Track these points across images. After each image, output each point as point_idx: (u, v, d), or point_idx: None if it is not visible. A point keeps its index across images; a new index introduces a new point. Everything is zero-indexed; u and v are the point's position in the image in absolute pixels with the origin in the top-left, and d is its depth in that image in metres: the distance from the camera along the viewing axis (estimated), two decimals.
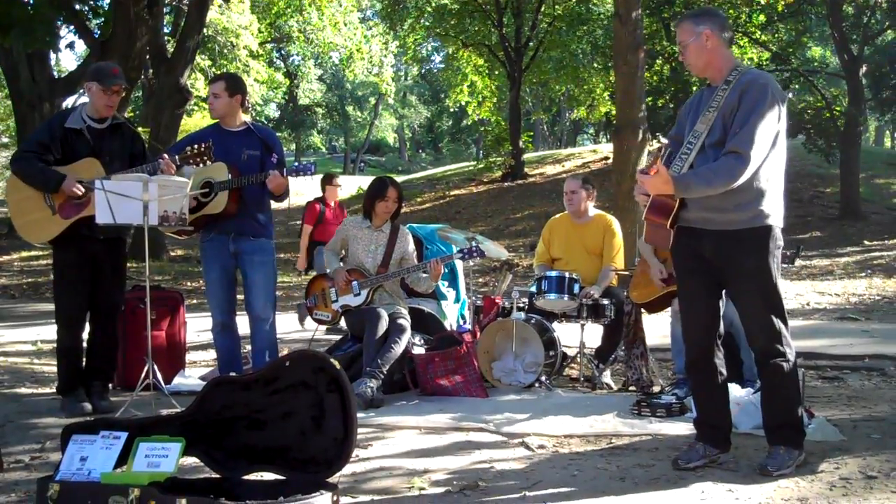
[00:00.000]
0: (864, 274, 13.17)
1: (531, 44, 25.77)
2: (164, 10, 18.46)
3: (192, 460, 3.71)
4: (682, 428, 4.56)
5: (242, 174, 5.26)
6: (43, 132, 5.19)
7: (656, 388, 5.77)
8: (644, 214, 3.88)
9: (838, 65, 24.83)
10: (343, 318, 5.91)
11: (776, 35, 22.80)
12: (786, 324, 3.82)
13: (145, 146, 5.55)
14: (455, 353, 5.63)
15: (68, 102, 16.45)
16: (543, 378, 5.78)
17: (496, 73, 28.18)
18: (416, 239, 6.57)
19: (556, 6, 25.09)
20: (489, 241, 6.68)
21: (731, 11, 20.65)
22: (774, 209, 3.80)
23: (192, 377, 6.03)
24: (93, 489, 3.19)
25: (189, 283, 13.94)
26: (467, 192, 26.42)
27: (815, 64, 30.70)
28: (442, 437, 4.53)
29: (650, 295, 5.68)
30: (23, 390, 5.86)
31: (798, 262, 12.34)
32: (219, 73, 17.37)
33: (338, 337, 6.58)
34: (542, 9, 25.23)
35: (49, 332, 5.38)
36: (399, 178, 17.96)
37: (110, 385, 5.45)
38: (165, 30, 19.10)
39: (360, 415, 4.30)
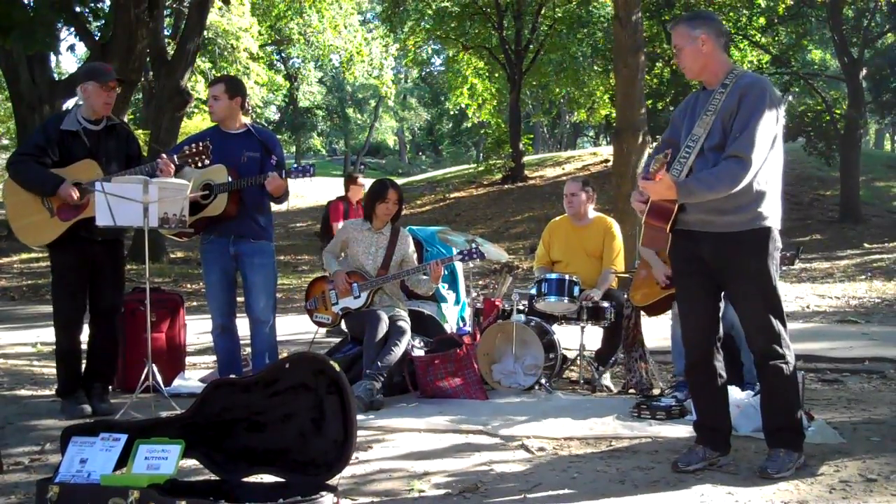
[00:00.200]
0: (864, 277, 13.17)
1: (531, 46, 25.80)
2: (165, 12, 18.47)
3: (191, 462, 3.70)
4: (682, 431, 4.56)
5: (242, 176, 5.26)
6: (39, 135, 5.17)
7: (656, 391, 5.77)
8: (643, 219, 3.88)
9: (838, 68, 24.83)
10: (343, 321, 5.91)
11: (776, 38, 22.83)
12: (785, 326, 3.82)
13: (141, 147, 5.54)
14: (455, 355, 5.62)
15: (69, 104, 16.45)
16: (543, 380, 5.78)
17: (496, 75, 28.21)
18: (416, 241, 6.57)
19: (557, 9, 25.12)
20: (489, 244, 6.68)
21: (731, 14, 20.70)
22: (773, 211, 3.81)
23: (191, 379, 6.02)
24: (92, 491, 3.19)
25: (189, 286, 13.94)
26: (467, 194, 26.44)
27: (816, 67, 30.78)
28: (442, 440, 4.53)
29: (650, 297, 5.68)
30: (22, 392, 5.86)
31: (798, 265, 12.35)
32: (219, 75, 17.36)
33: (338, 339, 6.58)
34: (543, 11, 25.27)
35: (49, 334, 5.38)
36: (399, 181, 17.94)
37: (110, 387, 5.44)
38: (166, 32, 19.11)
39: (359, 417, 4.30)
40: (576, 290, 5.97)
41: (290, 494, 3.22)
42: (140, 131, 20.46)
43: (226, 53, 26.88)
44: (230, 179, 5.22)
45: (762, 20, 21.37)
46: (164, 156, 5.13)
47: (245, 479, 3.52)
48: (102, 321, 5.28)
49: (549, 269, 6.38)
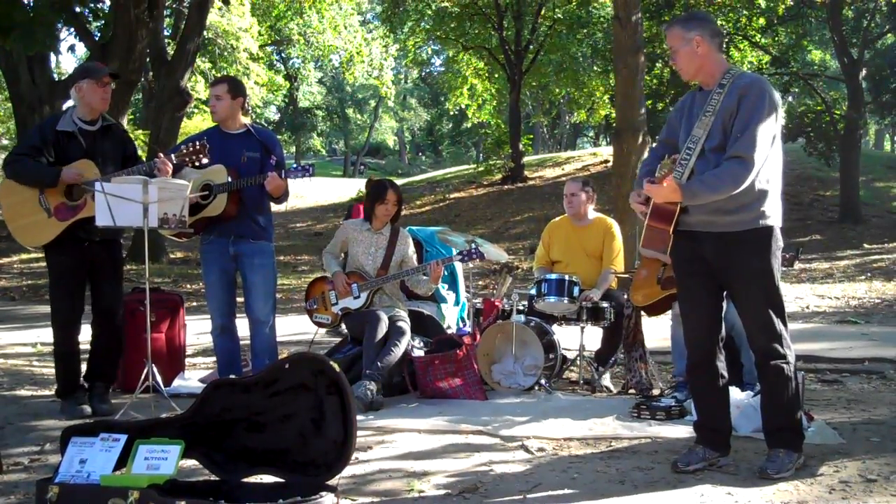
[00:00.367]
0: (863, 277, 13.17)
1: (531, 47, 25.80)
2: (165, 12, 18.47)
3: (191, 462, 3.70)
4: (682, 431, 4.56)
5: (242, 176, 5.26)
6: (35, 136, 5.14)
7: (656, 392, 5.77)
8: (646, 221, 3.88)
9: (838, 68, 24.84)
10: (343, 321, 5.91)
11: (776, 38, 22.84)
12: (786, 325, 3.84)
13: (136, 148, 5.53)
14: (455, 355, 5.62)
15: (69, 105, 16.31)
16: (543, 381, 5.78)
17: (496, 76, 28.21)
18: (415, 241, 6.58)
19: (556, 9, 25.12)
20: (489, 244, 6.68)
21: (731, 14, 20.70)
22: (775, 210, 3.82)
23: (191, 379, 6.02)
24: (92, 491, 3.19)
25: (189, 286, 13.94)
26: (467, 194, 26.44)
27: (815, 67, 30.77)
28: (441, 440, 4.53)
29: (650, 298, 5.68)
30: (22, 392, 5.86)
31: (798, 266, 12.35)
32: (220, 75, 17.34)
33: (338, 339, 6.58)
34: (542, 12, 25.27)
35: (49, 334, 5.37)
36: (399, 181, 17.95)
37: (111, 388, 5.43)
38: (166, 32, 19.11)
39: (359, 417, 4.31)
40: (575, 291, 5.97)
41: (290, 495, 3.22)
42: (140, 131, 20.50)
43: (226, 54, 26.89)
44: (230, 180, 5.22)
45: (762, 21, 21.37)
46: (161, 155, 5.13)
47: (245, 480, 3.53)
48: (104, 321, 5.27)
49: (549, 269, 6.39)
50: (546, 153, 39.82)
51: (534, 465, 4.06)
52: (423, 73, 48.04)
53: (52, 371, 5.40)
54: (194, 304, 10.95)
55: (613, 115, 19.40)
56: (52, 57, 20.00)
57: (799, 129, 21.37)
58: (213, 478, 3.55)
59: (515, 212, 23.02)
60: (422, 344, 5.99)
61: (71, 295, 5.16)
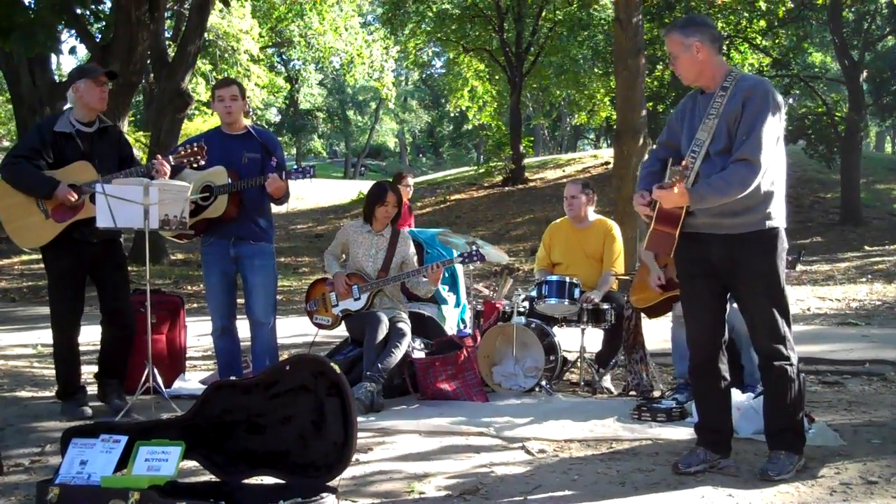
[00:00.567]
0: (864, 279, 13.16)
1: (532, 49, 25.81)
2: (166, 14, 18.48)
3: (192, 464, 3.70)
4: (683, 433, 4.56)
5: (242, 178, 5.27)
6: (33, 137, 5.12)
7: (656, 393, 5.77)
8: (652, 225, 3.88)
9: (839, 70, 24.83)
10: (343, 323, 5.91)
11: (777, 41, 22.81)
12: (790, 327, 3.84)
13: (133, 150, 5.52)
14: (455, 357, 5.62)
15: (67, 107, 16.29)
16: (544, 382, 5.78)
17: (497, 77, 28.21)
18: (416, 243, 6.58)
19: (557, 11, 25.12)
20: (490, 246, 6.68)
21: (731, 17, 20.68)
22: (780, 211, 3.82)
23: (192, 381, 6.03)
24: (93, 493, 3.20)
25: (189, 287, 13.94)
26: (468, 196, 26.43)
27: (816, 69, 30.75)
28: (442, 442, 4.53)
29: (651, 300, 5.69)
30: (23, 394, 5.86)
31: (799, 268, 12.34)
32: (226, 77, 17.30)
33: (338, 340, 6.58)
34: (543, 14, 25.27)
35: (49, 335, 5.37)
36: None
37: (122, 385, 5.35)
38: (166, 34, 19.12)
39: (360, 419, 4.30)
40: (576, 293, 5.97)
41: (291, 496, 3.22)
42: (141, 133, 20.51)
43: (226, 55, 26.92)
44: (230, 181, 5.23)
45: (762, 23, 21.35)
46: (159, 157, 5.13)
47: (245, 481, 3.53)
48: (114, 319, 5.22)
49: (550, 271, 6.39)
50: (547, 155, 39.83)
51: (534, 466, 4.06)
52: (424, 75, 47.98)
53: (53, 372, 5.40)
54: (195, 305, 10.95)
55: (614, 117, 19.40)
56: (53, 58, 20.05)
57: (800, 131, 21.35)
58: (214, 479, 3.55)
59: (516, 213, 23.03)
60: (422, 345, 5.99)
61: (70, 296, 5.15)
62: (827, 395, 5.76)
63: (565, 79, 27.43)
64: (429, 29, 27.23)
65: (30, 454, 4.28)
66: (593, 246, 6.33)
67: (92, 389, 5.55)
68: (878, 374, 6.48)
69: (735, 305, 4.16)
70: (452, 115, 45.25)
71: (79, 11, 14.56)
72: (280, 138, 24.75)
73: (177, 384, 5.86)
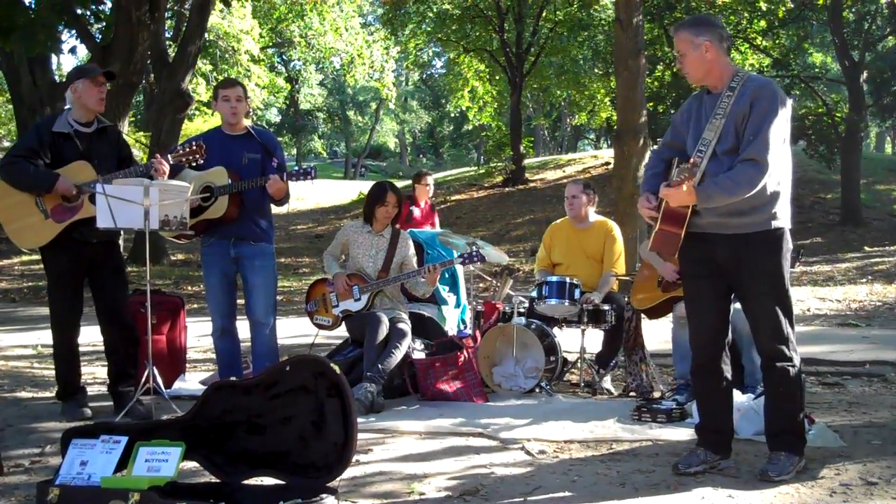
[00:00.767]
0: (864, 280, 13.16)
1: (532, 49, 25.81)
2: (166, 14, 18.48)
3: (192, 464, 3.70)
4: (683, 433, 4.56)
5: (243, 178, 5.26)
6: (31, 138, 5.11)
7: (657, 394, 5.77)
8: (657, 225, 3.88)
9: (839, 71, 24.85)
10: (344, 323, 5.91)
11: (777, 41, 22.82)
12: (793, 328, 3.84)
13: (132, 151, 5.51)
14: (455, 358, 5.62)
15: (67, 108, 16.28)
16: (544, 383, 5.78)
17: (497, 78, 28.21)
18: (416, 244, 6.58)
19: (558, 12, 25.14)
20: (490, 246, 6.68)
21: (731, 17, 20.67)
22: (785, 211, 3.83)
23: (192, 382, 6.03)
24: (93, 493, 3.20)
25: (190, 288, 13.94)
26: (468, 197, 26.44)
27: (816, 70, 30.74)
28: (442, 442, 4.53)
29: (651, 301, 5.69)
30: (23, 394, 5.86)
31: (799, 268, 12.34)
32: (228, 77, 17.28)
33: (338, 341, 6.58)
34: (544, 14, 25.28)
35: (49, 336, 5.37)
36: (400, 184, 17.90)
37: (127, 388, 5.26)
38: (167, 34, 19.12)
39: (360, 420, 4.30)
40: (576, 293, 5.97)
41: (291, 497, 3.22)
42: (141, 133, 20.52)
43: (227, 56, 26.93)
44: (231, 182, 5.23)
45: (763, 23, 21.36)
46: (157, 156, 5.13)
47: (245, 482, 3.53)
48: (112, 321, 5.21)
49: (550, 271, 6.39)
50: (547, 155, 39.82)
51: (534, 467, 4.06)
52: (424, 76, 48.02)
53: (53, 373, 5.39)
54: (195, 306, 10.95)
55: (614, 117, 19.41)
56: (54, 59, 20.04)
57: (800, 131, 21.33)
58: (214, 480, 3.55)
59: (516, 214, 23.03)
60: (423, 346, 5.99)
61: (69, 297, 5.13)
62: (827, 396, 5.75)
63: (566, 79, 27.44)
64: (429, 29, 27.25)
65: (30, 455, 4.28)
66: (594, 246, 6.33)
67: (92, 390, 5.57)
68: (879, 375, 6.48)
69: (737, 306, 4.16)
70: (453, 115, 45.32)
71: (79, 11, 14.58)
72: (280, 138, 24.76)
73: (177, 385, 5.86)
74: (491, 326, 6.15)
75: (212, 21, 21.30)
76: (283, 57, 41.58)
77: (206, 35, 20.44)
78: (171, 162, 5.11)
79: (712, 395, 4.00)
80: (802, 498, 3.52)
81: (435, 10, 26.37)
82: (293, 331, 8.55)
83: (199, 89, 25.84)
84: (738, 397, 4.57)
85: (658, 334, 7.04)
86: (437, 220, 8.94)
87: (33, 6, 13.31)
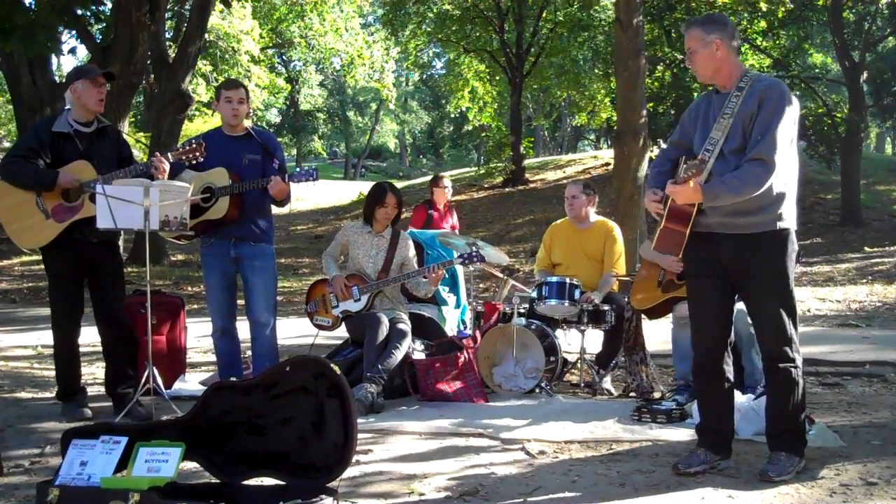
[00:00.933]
0: (864, 280, 13.16)
1: (532, 50, 25.80)
2: (166, 15, 18.48)
3: (192, 465, 3.70)
4: (683, 434, 4.56)
5: (244, 179, 5.26)
6: (30, 138, 5.11)
7: (657, 395, 5.77)
8: (662, 222, 3.88)
9: (839, 71, 24.83)
10: (344, 324, 5.91)
11: (777, 41, 22.80)
12: (797, 329, 3.83)
13: (132, 151, 5.51)
14: (455, 358, 5.63)
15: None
16: (544, 384, 5.78)
17: (497, 78, 28.21)
18: (416, 244, 6.58)
19: (558, 12, 25.13)
20: (490, 247, 6.68)
21: (731, 18, 20.64)
22: (791, 212, 3.83)
23: (192, 382, 6.03)
24: (93, 494, 3.19)
25: (190, 288, 13.94)
26: (468, 197, 26.41)
27: (816, 70, 30.71)
28: (442, 443, 4.53)
29: (651, 301, 5.69)
30: (23, 395, 5.86)
31: (799, 269, 12.32)
32: (230, 78, 17.27)
33: (339, 342, 6.58)
34: (544, 15, 25.27)
35: (49, 336, 5.37)
36: (400, 184, 17.89)
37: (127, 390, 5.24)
38: (167, 35, 19.13)
39: (360, 420, 4.30)
40: (576, 294, 5.97)
41: (290, 497, 3.22)
42: (141, 134, 20.52)
43: (227, 56, 26.92)
44: (231, 182, 5.23)
45: (763, 24, 21.34)
46: (157, 154, 5.13)
47: (245, 482, 3.53)
48: (112, 326, 5.20)
49: (550, 272, 6.39)
50: (547, 156, 39.81)
51: (534, 467, 4.06)
52: (425, 76, 48.01)
53: (53, 373, 5.39)
54: (195, 306, 10.95)
55: (614, 118, 19.40)
56: (54, 59, 20.04)
57: (800, 132, 21.30)
58: (214, 480, 3.55)
59: (516, 214, 23.02)
60: (423, 347, 5.99)
61: (70, 297, 5.13)
62: (827, 396, 5.76)
63: (566, 80, 27.43)
64: (429, 30, 27.25)
65: (30, 455, 4.28)
66: (594, 247, 6.33)
67: (92, 390, 5.56)
68: (879, 375, 6.48)
69: (738, 306, 4.16)
70: (453, 115, 45.25)
71: (79, 12, 14.58)
72: (280, 139, 24.74)
73: (177, 385, 5.86)
74: (491, 327, 6.15)
75: (212, 22, 21.31)
76: (284, 57, 41.58)
77: (207, 36, 20.44)
78: (171, 160, 5.11)
79: (713, 396, 4.00)
80: (802, 498, 3.52)
81: (435, 10, 26.37)
82: (293, 331, 8.55)
83: (200, 90, 25.85)
84: (738, 398, 4.57)
85: (658, 335, 7.04)
86: (455, 220, 8.84)
87: (33, 7, 13.32)
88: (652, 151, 14.13)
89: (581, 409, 5.31)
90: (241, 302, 5.58)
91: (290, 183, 5.24)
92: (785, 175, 3.77)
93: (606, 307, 5.99)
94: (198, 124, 27.41)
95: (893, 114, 23.48)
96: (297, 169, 5.36)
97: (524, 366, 5.87)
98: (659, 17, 21.23)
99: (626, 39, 11.23)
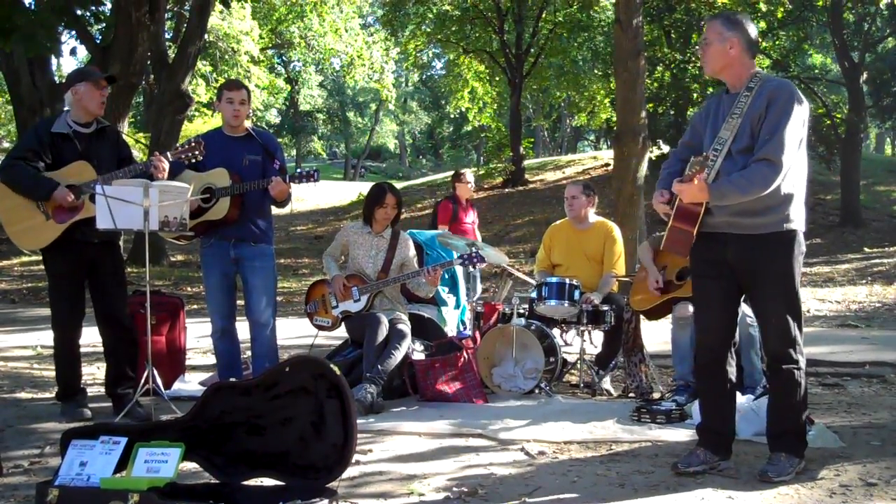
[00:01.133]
0: (864, 281, 13.17)
1: (532, 50, 25.81)
2: (166, 15, 18.48)
3: (191, 465, 3.70)
4: (682, 434, 4.56)
5: (244, 179, 5.26)
6: (31, 139, 5.10)
7: (656, 395, 5.77)
8: (669, 222, 3.88)
9: (839, 72, 24.84)
10: (343, 324, 5.91)
11: (777, 42, 22.81)
12: (801, 331, 3.83)
13: (131, 151, 5.50)
14: (455, 359, 5.62)
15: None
16: (543, 384, 5.78)
17: (497, 79, 28.23)
18: (416, 245, 6.58)
19: (557, 13, 25.15)
20: (489, 247, 6.68)
21: None
22: (799, 214, 3.82)
23: (191, 382, 6.03)
24: (92, 494, 3.19)
25: (189, 289, 13.94)
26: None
27: (816, 71, 30.76)
28: (441, 443, 4.53)
29: (650, 302, 5.69)
30: (22, 395, 5.86)
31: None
32: (232, 79, 17.26)
33: (338, 342, 6.58)
34: (543, 15, 25.28)
35: (49, 337, 5.36)
36: (399, 184, 17.95)
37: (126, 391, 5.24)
38: (167, 35, 19.13)
39: (359, 420, 4.30)
40: (576, 294, 5.97)
41: (290, 498, 3.22)
42: (141, 134, 20.53)
43: (227, 57, 26.94)
44: (232, 183, 5.23)
45: (762, 24, 21.33)
46: (157, 153, 5.13)
47: (245, 483, 3.52)
48: (110, 324, 5.20)
49: (550, 272, 6.39)
50: (547, 156, 39.81)
51: (534, 468, 4.06)
52: (424, 77, 48.03)
53: (53, 374, 5.39)
54: (195, 306, 10.95)
55: (614, 118, 19.40)
56: (53, 60, 20.01)
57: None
58: (214, 481, 3.55)
59: (516, 215, 23.02)
60: (422, 347, 5.99)
61: (71, 297, 5.13)
62: (827, 396, 5.76)
63: (565, 80, 27.46)
64: (429, 30, 27.25)
65: (29, 455, 4.27)
66: (594, 247, 6.33)
67: (92, 391, 5.56)
68: (878, 375, 6.49)
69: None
70: (452, 116, 45.31)
71: (79, 13, 14.58)
72: (280, 139, 24.77)
73: (176, 385, 5.86)
74: (490, 327, 6.15)
75: (211, 22, 21.31)
76: (283, 58, 41.61)
77: (206, 36, 20.44)
78: (171, 158, 5.11)
79: (715, 396, 4.00)
80: (802, 499, 3.52)
81: (435, 11, 26.38)
82: (293, 332, 8.55)
83: (199, 90, 25.87)
84: (738, 398, 4.55)
85: (658, 335, 7.04)
86: (475, 215, 8.84)
87: (33, 7, 13.32)
88: (651, 152, 14.13)
89: (580, 409, 5.31)
90: (240, 302, 5.57)
91: (291, 183, 5.24)
92: (793, 176, 3.76)
93: (606, 308, 5.99)
94: (197, 125, 27.42)
95: (893, 114, 23.49)
96: (299, 170, 5.36)
97: (524, 366, 5.87)
98: (658, 18, 21.24)
99: (625, 40, 11.21)
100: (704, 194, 3.71)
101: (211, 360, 6.84)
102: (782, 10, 20.33)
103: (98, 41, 15.64)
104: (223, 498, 3.35)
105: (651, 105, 20.03)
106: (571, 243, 6.39)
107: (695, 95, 21.28)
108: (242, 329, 5.54)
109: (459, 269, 7.34)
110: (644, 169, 11.37)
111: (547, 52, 25.99)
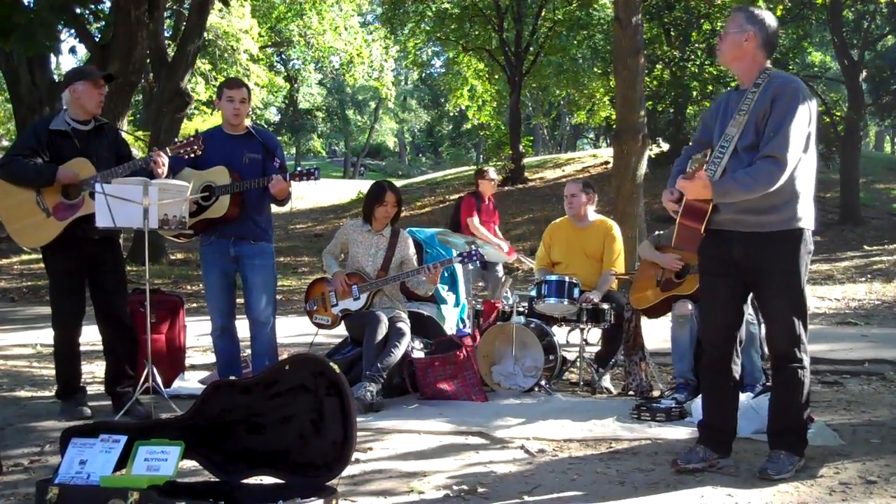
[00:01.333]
0: (863, 279, 13.17)
1: (531, 48, 25.79)
2: (165, 14, 18.47)
3: (191, 464, 3.70)
4: (682, 432, 4.56)
5: (244, 178, 5.26)
6: (29, 137, 5.11)
7: (656, 393, 5.78)
8: (678, 219, 3.88)
9: (838, 70, 24.83)
10: (343, 322, 5.91)
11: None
12: (806, 330, 3.82)
13: (130, 149, 5.50)
14: (455, 357, 5.62)
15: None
16: (543, 382, 5.78)
17: (496, 77, 28.20)
18: (416, 243, 6.58)
19: (557, 11, 25.13)
20: (489, 246, 6.68)
21: (729, 16, 20.65)
22: (806, 212, 3.80)
23: (191, 381, 6.03)
24: (92, 492, 3.19)
25: (189, 287, 13.94)
26: None
27: (815, 69, 30.74)
28: (441, 441, 4.53)
29: (650, 300, 5.69)
30: (22, 393, 5.86)
31: None
32: (232, 77, 17.26)
33: (338, 340, 6.58)
34: (543, 13, 25.26)
35: (49, 335, 5.37)
36: (399, 183, 17.88)
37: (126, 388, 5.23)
38: (166, 34, 19.12)
39: (359, 418, 4.30)
40: (576, 292, 5.97)
41: (290, 496, 3.22)
42: (140, 132, 20.50)
43: (226, 55, 26.90)
44: (232, 181, 5.23)
45: None
46: (156, 149, 5.13)
47: (245, 481, 3.53)
48: (110, 322, 5.19)
49: (550, 270, 6.39)
50: (546, 154, 39.80)
51: (534, 466, 4.06)
52: (424, 75, 47.99)
53: (52, 372, 5.39)
54: (194, 305, 10.95)
55: (613, 116, 19.40)
56: (53, 58, 20.00)
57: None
58: (213, 479, 3.55)
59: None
60: (422, 345, 5.99)
61: (71, 295, 5.13)
62: (826, 394, 5.76)
63: (565, 78, 27.43)
64: (428, 28, 27.22)
65: (29, 454, 4.28)
66: (593, 245, 6.33)
67: (91, 389, 5.56)
68: (877, 373, 6.49)
69: None
70: (452, 114, 45.20)
71: (78, 11, 14.58)
72: (279, 138, 24.71)
73: (176, 384, 5.86)
74: (490, 325, 6.15)
75: (211, 20, 21.29)
76: (283, 56, 41.55)
77: (206, 34, 20.43)
78: (170, 154, 5.10)
79: (719, 394, 3.99)
80: (801, 497, 3.52)
81: (434, 9, 26.35)
82: (292, 330, 8.55)
83: (199, 89, 25.84)
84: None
85: (657, 334, 7.04)
86: (497, 218, 8.79)
87: (32, 6, 13.30)
88: (651, 150, 14.13)
89: (580, 407, 5.31)
90: (240, 301, 5.57)
91: (291, 182, 5.24)
92: (801, 173, 3.74)
93: (605, 306, 5.99)
94: (197, 123, 27.41)
95: (892, 112, 23.47)
96: (299, 168, 5.36)
97: (523, 364, 5.87)
98: (658, 16, 21.25)
99: (624, 38, 11.23)
100: (707, 191, 3.70)
101: (211, 358, 6.84)
102: (782, 7, 20.31)
103: (97, 39, 15.63)
104: (223, 496, 3.35)
105: (650, 103, 20.04)
106: (571, 241, 6.39)
107: (694, 93, 21.29)
108: (242, 327, 5.54)
109: (459, 267, 7.34)
110: (643, 167, 11.39)
111: (546, 50, 25.97)
